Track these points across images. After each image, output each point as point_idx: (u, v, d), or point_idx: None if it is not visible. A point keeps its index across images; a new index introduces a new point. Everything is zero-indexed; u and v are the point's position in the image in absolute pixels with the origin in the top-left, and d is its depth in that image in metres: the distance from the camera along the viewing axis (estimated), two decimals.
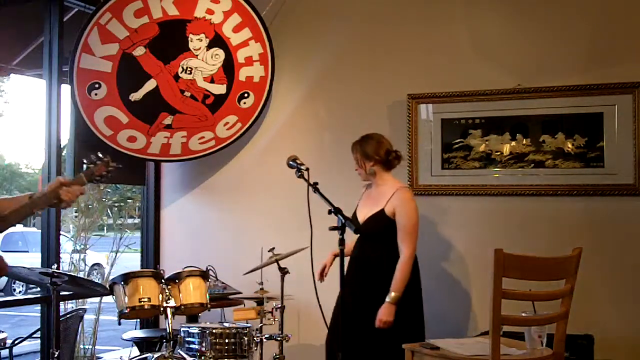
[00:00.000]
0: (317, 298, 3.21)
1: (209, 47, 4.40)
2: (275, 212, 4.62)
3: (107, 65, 4.21)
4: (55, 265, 3.68)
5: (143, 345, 4.14)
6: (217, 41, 4.41)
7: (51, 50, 4.19)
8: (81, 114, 4.17)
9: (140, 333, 4.30)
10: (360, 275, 3.52)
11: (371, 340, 3.39)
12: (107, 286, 3.70)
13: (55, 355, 3.36)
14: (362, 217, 3.58)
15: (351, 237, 3.36)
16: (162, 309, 3.47)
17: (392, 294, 3.35)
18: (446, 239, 4.24)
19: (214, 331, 3.48)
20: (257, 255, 3.95)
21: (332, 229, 2.86)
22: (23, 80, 38.66)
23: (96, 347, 6.39)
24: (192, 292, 3.58)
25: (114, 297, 3.57)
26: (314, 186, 3.02)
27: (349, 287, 3.31)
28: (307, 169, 3.03)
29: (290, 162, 3.17)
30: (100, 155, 2.86)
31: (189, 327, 3.55)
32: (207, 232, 4.85)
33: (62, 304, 4.73)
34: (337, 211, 2.86)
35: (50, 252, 4.14)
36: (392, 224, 3.47)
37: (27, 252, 13.74)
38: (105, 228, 9.63)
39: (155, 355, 3.43)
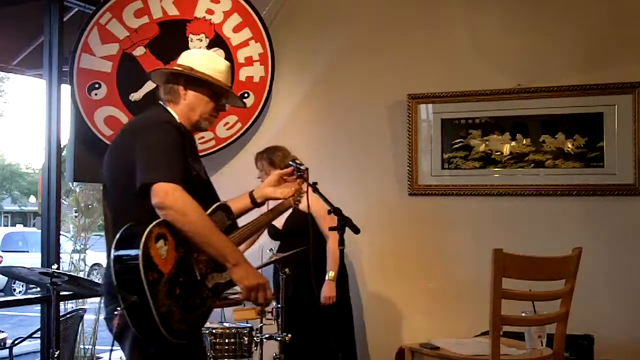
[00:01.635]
0: (317, 298, 3.22)
1: (209, 47, 4.39)
2: None
3: (107, 65, 4.21)
4: (55, 265, 3.67)
5: None
6: (217, 41, 4.41)
7: (51, 50, 4.18)
8: (81, 114, 4.17)
9: None
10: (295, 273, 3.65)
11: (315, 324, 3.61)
12: None
13: (55, 355, 3.36)
14: (279, 223, 3.92)
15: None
16: None
17: (331, 273, 3.77)
18: (446, 239, 4.23)
19: (214, 331, 3.48)
20: (257, 255, 3.95)
21: (332, 229, 2.86)
22: (23, 80, 38.71)
23: (96, 347, 6.40)
24: None
25: None
26: (314, 186, 3.02)
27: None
28: (307, 169, 3.03)
29: (290, 162, 3.17)
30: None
31: None
32: None
33: (62, 304, 4.74)
34: (336, 211, 2.85)
35: (50, 252, 4.13)
36: (305, 217, 3.66)
37: (27, 252, 13.76)
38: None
39: None
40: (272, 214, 2.72)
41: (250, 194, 2.68)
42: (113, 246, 2.13)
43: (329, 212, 2.89)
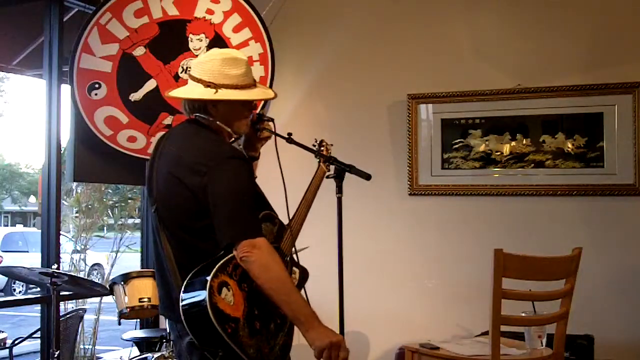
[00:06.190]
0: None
1: (209, 47, 4.39)
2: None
3: (107, 65, 4.21)
4: (55, 265, 3.68)
5: (143, 345, 4.14)
6: (217, 41, 4.40)
7: (51, 50, 4.18)
8: (81, 114, 4.16)
9: (140, 333, 4.30)
10: None
11: None
12: (107, 286, 3.70)
13: (55, 355, 3.36)
14: None
15: None
16: None
17: None
18: (446, 239, 4.23)
19: None
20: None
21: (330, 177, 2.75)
22: (23, 80, 38.74)
23: (96, 347, 6.39)
24: None
25: (114, 297, 3.56)
26: (289, 138, 2.83)
27: None
28: (272, 120, 2.90)
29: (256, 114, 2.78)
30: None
31: None
32: None
33: (62, 304, 4.73)
34: (333, 160, 2.72)
35: (50, 252, 4.13)
36: None
37: (27, 252, 13.77)
38: (105, 229, 9.63)
39: (155, 355, 3.44)
40: (313, 192, 2.74)
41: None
42: (181, 296, 2.09)
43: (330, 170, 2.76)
